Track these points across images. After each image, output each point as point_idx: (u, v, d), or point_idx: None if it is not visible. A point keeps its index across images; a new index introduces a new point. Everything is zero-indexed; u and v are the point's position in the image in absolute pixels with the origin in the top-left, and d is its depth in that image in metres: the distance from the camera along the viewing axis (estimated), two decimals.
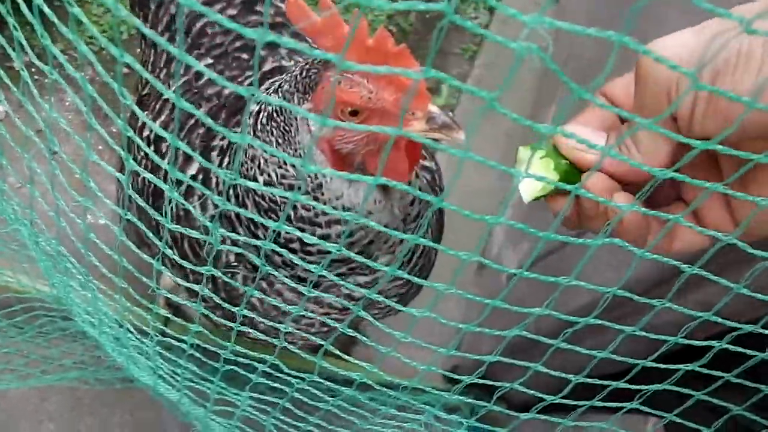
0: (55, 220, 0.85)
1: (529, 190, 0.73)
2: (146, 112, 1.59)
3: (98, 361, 2.13)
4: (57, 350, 2.11)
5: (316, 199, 1.16)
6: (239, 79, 1.53)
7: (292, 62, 1.53)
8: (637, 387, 0.90)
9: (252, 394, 0.99)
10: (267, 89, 1.24)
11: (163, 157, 1.48)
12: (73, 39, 0.56)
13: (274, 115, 1.15)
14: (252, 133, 1.19)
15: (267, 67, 1.53)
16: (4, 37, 0.78)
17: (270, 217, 1.20)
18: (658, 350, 0.87)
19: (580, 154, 0.71)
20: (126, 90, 0.59)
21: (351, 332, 0.80)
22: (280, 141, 1.15)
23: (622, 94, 0.73)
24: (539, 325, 1.39)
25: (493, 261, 2.43)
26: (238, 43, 1.58)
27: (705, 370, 0.84)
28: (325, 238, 1.19)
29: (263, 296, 0.87)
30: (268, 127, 1.16)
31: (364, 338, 0.81)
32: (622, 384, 0.90)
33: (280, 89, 1.15)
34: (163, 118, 1.56)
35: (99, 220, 2.36)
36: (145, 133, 1.55)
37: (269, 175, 1.17)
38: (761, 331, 0.74)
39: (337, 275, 1.30)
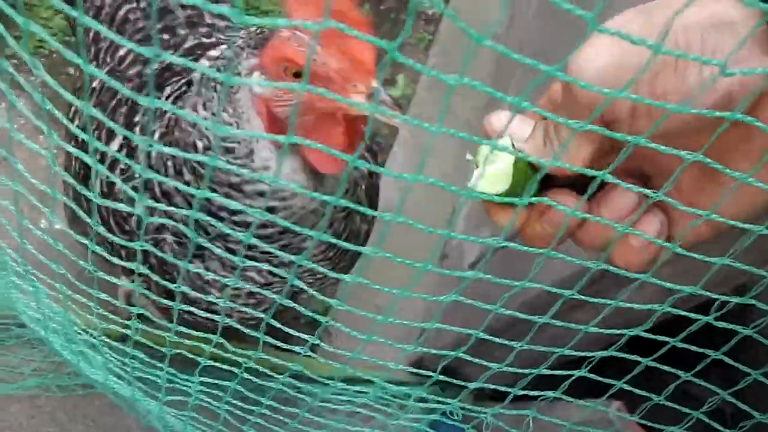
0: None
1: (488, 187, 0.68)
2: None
3: (58, 368, 2.10)
4: (15, 358, 2.08)
5: (245, 165, 1.15)
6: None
7: (213, 39, 1.61)
8: (602, 377, 0.90)
9: (202, 379, 0.96)
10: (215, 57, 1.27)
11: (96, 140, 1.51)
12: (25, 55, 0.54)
13: (219, 71, 1.13)
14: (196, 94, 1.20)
15: (188, 44, 1.60)
16: None
17: (208, 186, 1.19)
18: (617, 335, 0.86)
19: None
20: (67, 88, 0.57)
21: (288, 302, 0.78)
22: (221, 99, 1.14)
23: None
24: (500, 316, 1.38)
25: (454, 250, 2.44)
26: (159, 26, 1.64)
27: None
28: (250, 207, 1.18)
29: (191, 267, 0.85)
30: (212, 84, 1.16)
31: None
32: (586, 373, 0.89)
33: (232, 44, 1.16)
34: (92, 102, 1.63)
35: (55, 225, 2.32)
36: (75, 122, 1.66)
37: (209, 140, 1.17)
38: (742, 300, 0.73)
39: (263, 253, 1.29)
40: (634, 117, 0.57)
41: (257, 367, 0.90)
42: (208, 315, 0.92)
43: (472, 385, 0.84)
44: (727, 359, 0.82)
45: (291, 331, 0.82)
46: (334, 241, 0.68)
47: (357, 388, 1.09)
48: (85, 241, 0.78)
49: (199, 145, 1.19)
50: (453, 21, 0.45)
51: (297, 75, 1.04)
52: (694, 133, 0.57)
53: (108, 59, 1.66)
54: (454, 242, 2.31)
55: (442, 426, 1.48)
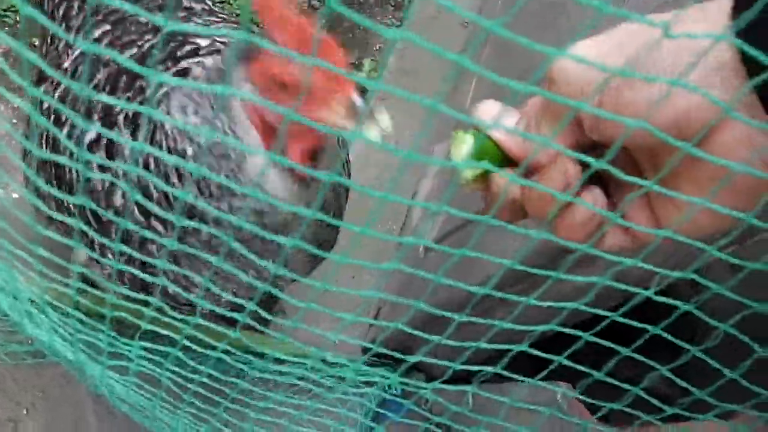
0: None
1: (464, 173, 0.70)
2: (45, 84, 1.60)
3: (8, 336, 2.08)
4: None
5: (238, 170, 1.19)
6: (138, 43, 1.52)
7: (191, 23, 1.56)
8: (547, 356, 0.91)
9: (143, 344, 0.96)
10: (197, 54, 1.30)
11: (63, 125, 1.48)
12: None
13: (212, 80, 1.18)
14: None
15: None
16: None
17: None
18: (566, 319, 0.87)
19: (504, 142, 0.68)
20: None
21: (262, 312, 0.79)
22: (215, 105, 1.17)
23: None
24: (451, 297, 1.40)
25: (411, 233, 2.45)
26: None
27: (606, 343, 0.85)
28: (238, 209, 1.22)
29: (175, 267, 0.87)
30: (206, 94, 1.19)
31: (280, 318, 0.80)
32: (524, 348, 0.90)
33: (220, 52, 1.21)
34: (62, 88, 1.54)
35: (12, 194, 2.30)
36: (45, 105, 1.53)
37: (199, 146, 1.20)
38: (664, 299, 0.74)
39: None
40: (598, 120, 0.59)
41: (198, 335, 0.91)
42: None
43: (411, 359, 0.85)
44: (668, 336, 0.83)
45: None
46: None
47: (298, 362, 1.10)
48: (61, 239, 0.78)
49: (189, 151, 1.21)
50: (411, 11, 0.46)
51: (283, 86, 1.08)
52: (659, 145, 0.58)
53: (83, 37, 1.60)
54: (412, 224, 2.32)
55: (392, 404, 1.49)
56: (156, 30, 1.54)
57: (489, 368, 0.91)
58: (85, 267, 1.78)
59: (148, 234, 0.76)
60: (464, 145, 0.69)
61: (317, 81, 1.04)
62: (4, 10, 2.49)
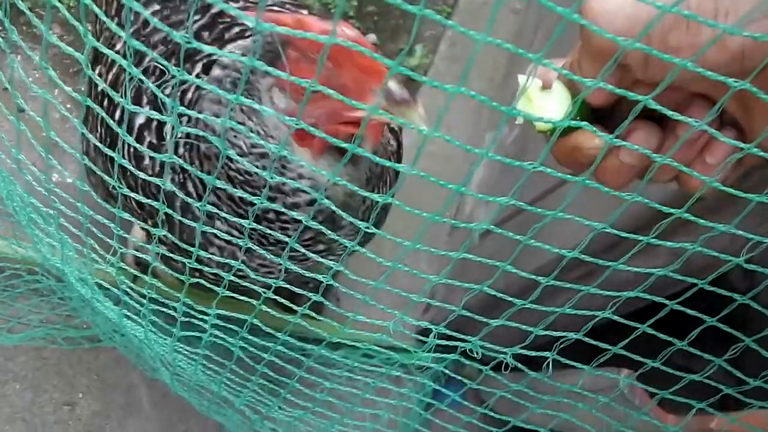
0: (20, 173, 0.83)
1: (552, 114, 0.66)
2: (99, 66, 1.56)
3: (66, 320, 2.11)
4: (24, 307, 2.09)
5: (283, 167, 1.16)
6: (186, 23, 1.43)
7: (241, 2, 1.51)
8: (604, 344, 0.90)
9: (219, 312, 0.96)
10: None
11: (116, 108, 1.45)
12: None
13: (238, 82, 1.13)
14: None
15: (216, 9, 1.47)
16: None
17: (245, 189, 1.19)
18: (625, 306, 0.86)
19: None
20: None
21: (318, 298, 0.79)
22: (244, 108, 1.14)
23: None
24: (508, 283, 1.39)
25: (466, 220, 2.44)
26: None
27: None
28: (295, 206, 1.19)
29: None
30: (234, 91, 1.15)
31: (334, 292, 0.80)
32: (584, 339, 0.90)
33: (243, 56, 1.14)
34: (115, 69, 1.50)
35: (66, 179, 2.33)
36: (100, 87, 1.50)
37: (241, 147, 1.17)
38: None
39: (305, 240, 1.32)
40: (647, 65, 0.58)
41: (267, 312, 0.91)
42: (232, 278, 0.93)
43: (486, 330, 0.85)
44: (723, 326, 0.82)
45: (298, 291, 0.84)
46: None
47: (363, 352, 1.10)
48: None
49: (232, 152, 1.18)
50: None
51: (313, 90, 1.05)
52: (712, 84, 0.56)
53: (131, 18, 1.48)
54: (466, 212, 2.31)
55: (443, 396, 1.48)
56: (205, 10, 1.46)
57: (549, 354, 0.90)
58: (142, 243, 1.77)
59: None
60: (553, 94, 0.67)
61: (348, 79, 1.01)
62: None
